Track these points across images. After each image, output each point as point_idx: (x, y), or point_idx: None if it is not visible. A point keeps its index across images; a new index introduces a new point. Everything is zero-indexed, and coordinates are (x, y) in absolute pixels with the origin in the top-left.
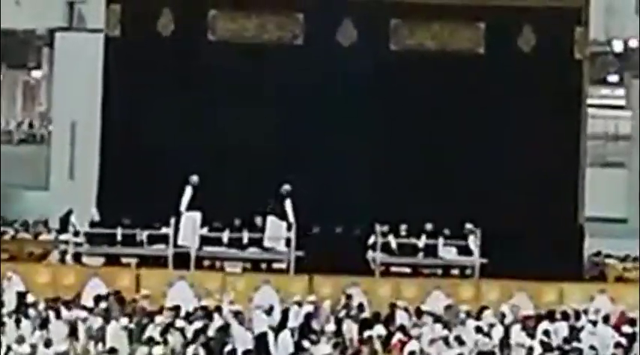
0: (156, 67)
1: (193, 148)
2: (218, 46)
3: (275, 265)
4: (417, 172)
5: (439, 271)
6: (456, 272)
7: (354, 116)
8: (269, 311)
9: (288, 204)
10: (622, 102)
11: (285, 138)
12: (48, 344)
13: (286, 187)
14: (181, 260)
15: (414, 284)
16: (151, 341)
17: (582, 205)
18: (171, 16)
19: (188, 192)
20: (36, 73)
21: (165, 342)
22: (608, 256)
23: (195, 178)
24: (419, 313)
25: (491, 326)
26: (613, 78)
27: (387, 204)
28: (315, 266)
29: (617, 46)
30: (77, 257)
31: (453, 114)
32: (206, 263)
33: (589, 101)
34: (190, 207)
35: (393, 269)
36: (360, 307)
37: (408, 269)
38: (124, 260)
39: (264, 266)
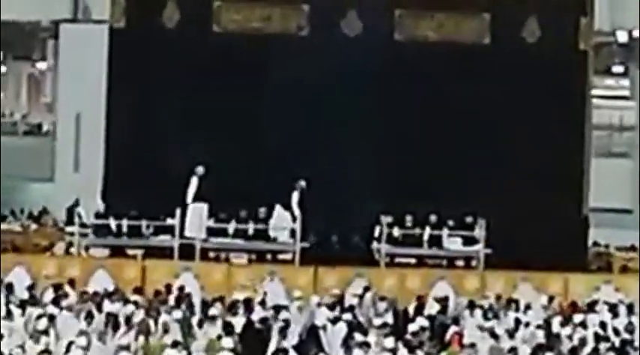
0: (161, 59)
1: (198, 139)
2: (223, 37)
3: (280, 256)
4: (423, 163)
5: (444, 262)
6: (461, 263)
7: (359, 107)
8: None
9: (294, 197)
10: (627, 93)
11: (290, 129)
12: (102, 337)
13: (302, 184)
14: (187, 251)
15: (418, 275)
16: (227, 332)
17: (587, 196)
18: (175, 7)
19: (194, 183)
20: (41, 65)
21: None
22: (609, 246)
23: (200, 169)
24: (472, 305)
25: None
26: (618, 68)
27: (393, 194)
28: (321, 258)
29: (622, 37)
30: (83, 248)
31: (458, 105)
32: (211, 254)
33: (594, 92)
34: (196, 198)
35: (398, 260)
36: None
37: (413, 260)
38: (130, 251)
39: (269, 257)
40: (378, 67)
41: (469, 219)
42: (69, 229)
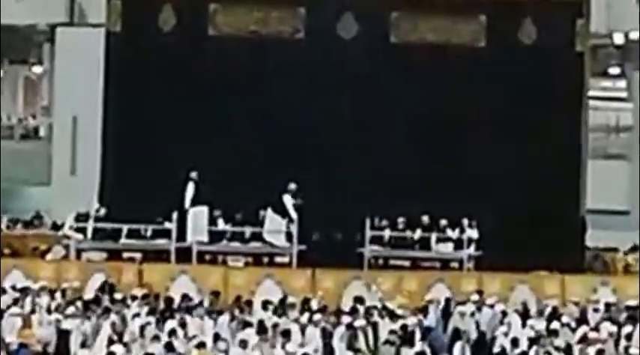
0: (157, 62)
1: (194, 142)
2: (219, 40)
3: (278, 259)
4: (418, 165)
5: (437, 264)
6: (455, 265)
7: (355, 109)
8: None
9: (288, 200)
10: (623, 95)
11: (285, 132)
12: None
13: (292, 186)
14: (183, 254)
15: (415, 277)
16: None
17: (584, 197)
18: (171, 10)
19: (190, 188)
20: (37, 69)
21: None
22: (611, 249)
23: (194, 174)
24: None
25: None
26: (614, 70)
27: (387, 197)
28: (318, 260)
29: (618, 39)
30: (79, 252)
31: (454, 107)
32: (207, 257)
33: (590, 93)
34: (194, 202)
35: (393, 262)
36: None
37: (407, 263)
38: (127, 254)
39: (266, 260)
40: (373, 69)
41: (464, 221)
42: (66, 233)
